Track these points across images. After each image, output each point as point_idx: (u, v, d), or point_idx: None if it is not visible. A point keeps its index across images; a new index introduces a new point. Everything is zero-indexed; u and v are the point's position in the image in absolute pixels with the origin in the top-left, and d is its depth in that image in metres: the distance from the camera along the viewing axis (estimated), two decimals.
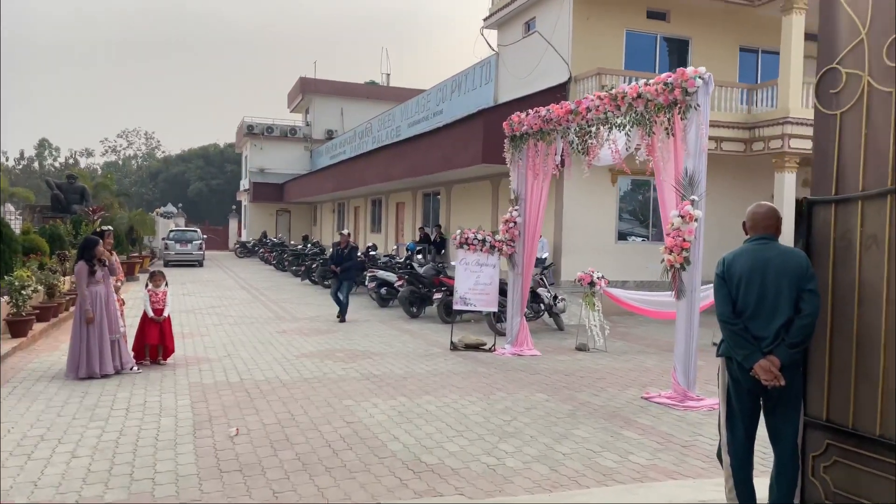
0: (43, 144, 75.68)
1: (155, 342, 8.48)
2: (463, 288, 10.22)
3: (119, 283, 8.41)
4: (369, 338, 11.05)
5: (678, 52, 17.06)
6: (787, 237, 14.38)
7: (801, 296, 3.44)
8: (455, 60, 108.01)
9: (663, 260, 7.21)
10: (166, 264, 29.58)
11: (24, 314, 9.79)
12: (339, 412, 6.45)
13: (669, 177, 7.49)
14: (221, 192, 64.52)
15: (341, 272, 13.17)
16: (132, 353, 8.48)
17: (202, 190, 67.62)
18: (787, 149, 15.15)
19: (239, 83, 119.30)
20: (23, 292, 9.74)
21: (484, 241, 10.15)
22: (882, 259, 3.19)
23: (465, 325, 12.63)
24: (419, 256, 17.45)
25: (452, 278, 13.41)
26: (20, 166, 73.28)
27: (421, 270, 14.77)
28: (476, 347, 10.22)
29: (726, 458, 3.68)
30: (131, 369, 8.01)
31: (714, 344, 10.99)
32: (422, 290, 14.10)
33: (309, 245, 26.85)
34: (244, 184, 45.54)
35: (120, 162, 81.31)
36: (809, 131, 15.45)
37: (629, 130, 7.87)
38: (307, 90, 42.45)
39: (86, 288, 7.67)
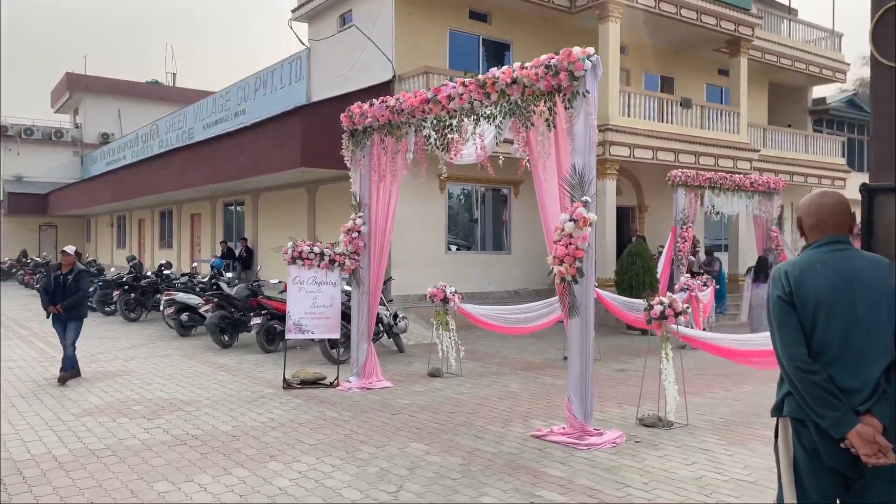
0: None
1: None
2: (297, 312, 8.47)
3: None
4: (175, 379, 8.84)
5: (499, 56, 16.65)
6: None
7: None
8: (256, 58, 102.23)
9: (551, 271, 6.16)
10: None
11: None
12: None
13: (551, 176, 6.49)
14: None
15: (65, 311, 8.65)
16: None
17: None
18: (609, 156, 15.28)
19: None
20: None
21: (322, 254, 8.51)
22: None
23: (292, 354, 10.81)
24: (229, 275, 15.15)
25: (272, 299, 11.54)
26: None
27: (232, 291, 12.61)
28: (314, 383, 8.52)
29: None
30: None
31: (565, 359, 10.38)
32: (235, 315, 11.98)
33: (83, 265, 22.83)
34: None
35: None
36: (629, 139, 15.94)
37: (500, 123, 6.76)
38: (76, 88, 36.98)
39: None
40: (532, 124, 6.43)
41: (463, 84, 6.98)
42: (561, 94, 6.15)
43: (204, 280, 15.33)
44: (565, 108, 6.14)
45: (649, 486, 4.85)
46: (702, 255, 15.99)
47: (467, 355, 10.01)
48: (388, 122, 8.03)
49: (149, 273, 16.72)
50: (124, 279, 16.17)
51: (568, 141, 6.16)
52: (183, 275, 16.75)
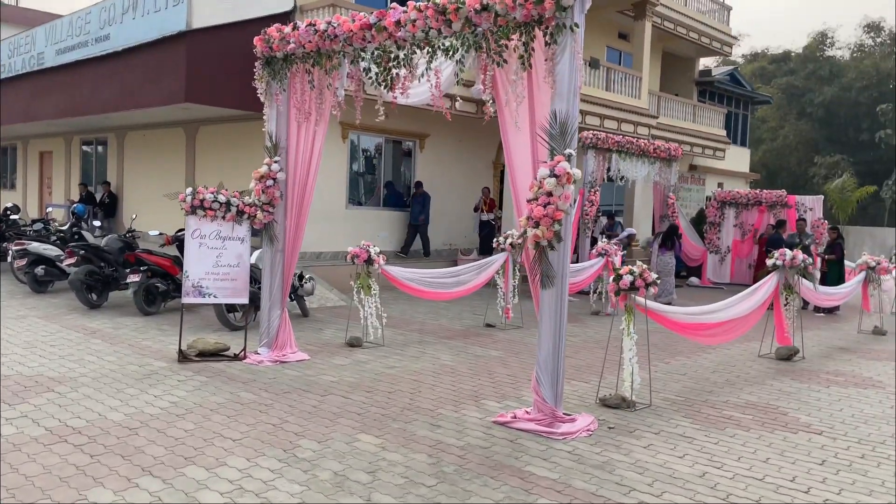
0: None
1: None
2: (197, 272, 7.11)
3: None
4: (37, 349, 7.24)
5: None
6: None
7: None
8: None
9: (523, 234, 5.33)
10: None
11: None
12: None
13: (523, 124, 5.61)
14: None
15: None
16: None
17: None
18: None
19: None
20: None
21: (228, 204, 7.17)
22: None
23: (176, 318, 9.35)
24: (96, 223, 13.10)
25: (153, 254, 9.96)
26: None
27: (101, 243, 10.81)
28: (216, 355, 7.25)
29: None
30: None
31: (487, 325, 9.55)
32: (105, 271, 10.24)
33: None
34: None
35: None
36: None
37: (462, 57, 5.77)
38: None
39: None
40: (505, 61, 5.48)
41: (417, 9, 5.88)
42: (542, 27, 5.24)
43: (63, 228, 13.18)
44: (546, 44, 5.25)
45: (654, 487, 4.22)
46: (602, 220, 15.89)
47: None
48: (317, 50, 6.76)
49: None
50: None
51: (549, 83, 5.29)
52: (35, 221, 14.38)
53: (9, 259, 12.09)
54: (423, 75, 6.09)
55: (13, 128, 19.55)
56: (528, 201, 5.28)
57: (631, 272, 5.94)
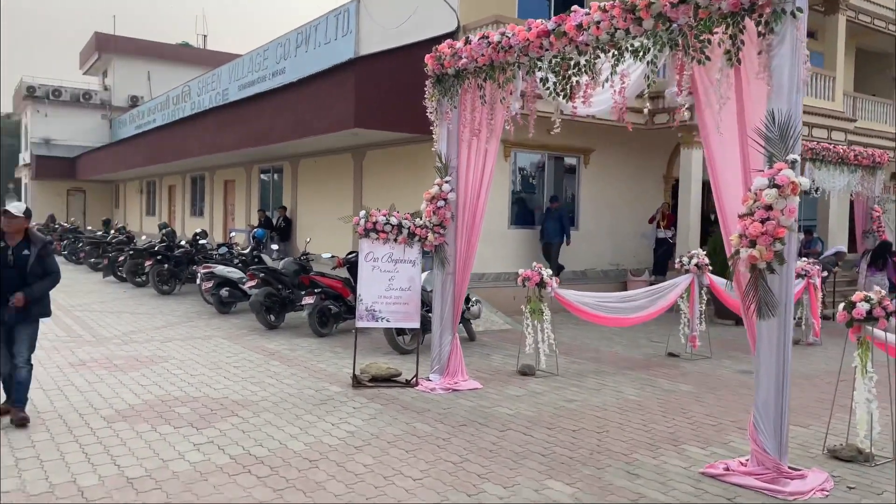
0: None
1: None
2: (370, 295, 7.00)
3: None
4: (222, 370, 7.47)
5: (569, 4, 14.85)
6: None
7: None
8: (293, 19, 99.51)
9: (735, 254, 4.59)
10: None
11: None
12: None
13: (729, 128, 4.89)
14: None
15: (19, 306, 5.29)
16: None
17: None
18: (694, 121, 13.50)
19: (16, 39, 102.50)
20: None
21: (400, 226, 7.01)
22: None
23: (345, 340, 9.39)
24: (274, 247, 13.76)
25: (326, 276, 10.13)
26: None
27: (279, 266, 11.23)
28: (388, 380, 7.08)
29: None
30: None
31: (670, 355, 8.79)
32: (283, 293, 10.59)
33: (112, 231, 21.66)
34: (24, 157, 37.65)
35: None
36: None
37: (654, 58, 5.16)
38: (105, 49, 35.68)
39: None
40: (707, 58, 4.80)
41: (601, 9, 5.37)
42: (755, 15, 4.53)
43: (244, 252, 13.99)
44: (760, 35, 4.52)
45: None
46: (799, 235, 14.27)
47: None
48: (490, 64, 6.44)
49: (182, 242, 15.40)
50: (157, 248, 14.88)
51: (763, 79, 4.55)
52: (220, 245, 15.42)
53: (197, 281, 12.93)
54: (607, 81, 5.55)
55: (202, 159, 21.33)
56: (741, 216, 4.55)
57: (867, 299, 4.97)
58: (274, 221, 18.98)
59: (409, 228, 7.03)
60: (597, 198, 14.59)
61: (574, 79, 5.81)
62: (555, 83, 5.96)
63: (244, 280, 11.37)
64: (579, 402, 6.51)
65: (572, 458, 4.92)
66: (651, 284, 12.05)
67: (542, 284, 7.64)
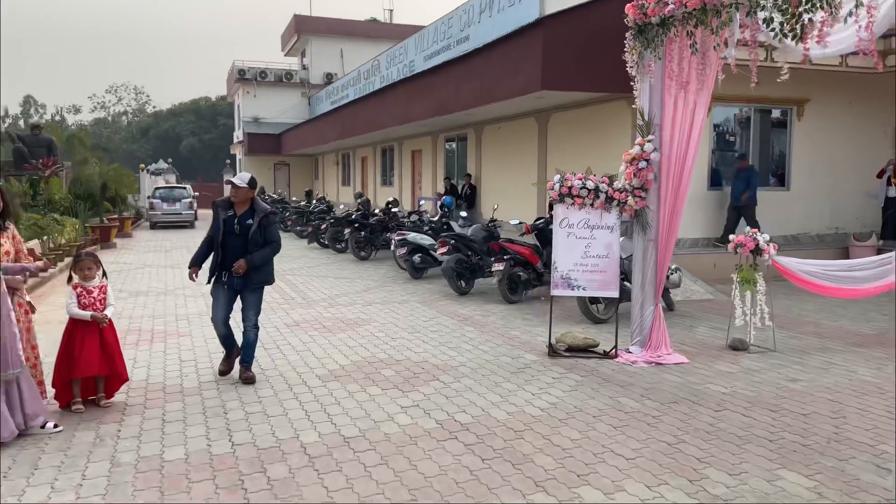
0: (28, 101, 72.05)
1: (92, 371, 5.08)
2: (565, 263, 6.78)
3: (26, 275, 4.94)
4: (419, 334, 7.67)
5: None
6: None
7: None
8: None
9: None
10: (153, 226, 26.15)
11: None
12: None
13: None
14: (215, 146, 61.34)
15: (247, 271, 5.64)
16: (49, 398, 5.14)
17: (195, 145, 64.40)
18: None
19: (228, 25, 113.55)
20: None
21: (597, 190, 6.68)
22: None
23: (533, 307, 9.26)
24: (463, 214, 13.96)
25: (515, 242, 10.02)
26: (5, 124, 69.02)
27: (468, 232, 11.33)
28: (585, 350, 6.85)
29: None
30: (44, 426, 4.64)
31: None
32: (472, 259, 10.68)
33: (315, 202, 23.31)
34: (238, 135, 41.73)
35: (109, 118, 77.91)
36: None
37: None
38: (303, 30, 38.23)
39: None
40: None
41: None
42: None
43: (434, 219, 14.34)
44: None
45: None
46: None
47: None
48: (701, 7, 5.83)
49: (376, 211, 16.14)
50: (354, 217, 15.73)
51: None
52: (410, 213, 15.96)
53: (392, 247, 13.47)
54: (850, 15, 4.77)
55: (391, 130, 22.16)
56: None
57: None
58: (459, 189, 19.29)
59: (606, 192, 6.66)
60: (812, 153, 13.06)
61: (806, 16, 5.07)
62: (781, 23, 5.26)
63: (435, 247, 11.65)
64: (805, 383, 5.83)
65: (805, 446, 4.39)
66: (880, 251, 10.61)
67: (757, 251, 6.93)
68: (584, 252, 6.77)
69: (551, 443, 4.41)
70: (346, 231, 15.48)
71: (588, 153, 13.71)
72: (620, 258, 6.96)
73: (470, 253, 10.74)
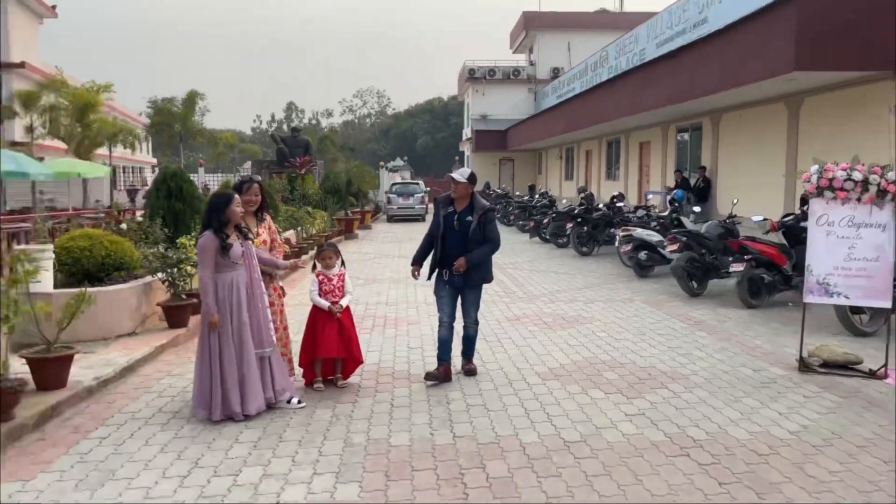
0: (290, 107, 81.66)
1: (331, 353, 5.48)
2: (823, 266, 5.92)
3: (279, 268, 5.46)
4: (645, 336, 7.23)
5: None
6: None
7: None
8: None
9: None
10: (389, 219, 28.12)
11: (183, 297, 7.45)
12: None
13: None
14: (447, 145, 64.50)
15: (467, 269, 5.57)
16: (297, 375, 5.62)
17: (428, 144, 68.30)
18: None
19: (459, 26, 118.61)
20: (179, 267, 7.38)
21: (866, 182, 5.73)
22: None
23: (780, 314, 8.26)
24: (696, 209, 13.05)
25: (758, 241, 9.06)
26: (272, 128, 78.90)
27: (701, 229, 10.51)
28: (845, 367, 5.93)
29: None
30: (289, 401, 5.08)
31: None
32: (706, 258, 9.87)
33: (537, 196, 23.36)
34: (466, 132, 43.37)
35: (356, 120, 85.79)
36: None
37: None
38: (531, 26, 38.55)
39: (211, 275, 4.80)
40: None
41: None
42: None
43: (663, 214, 13.56)
44: None
45: None
46: None
47: None
48: None
49: (600, 205, 15.69)
50: (576, 211, 15.44)
51: None
52: (636, 207, 15.27)
53: (616, 244, 12.97)
54: None
55: (618, 122, 21.41)
56: None
57: None
58: (692, 182, 18.04)
59: (878, 185, 5.69)
60: None
61: None
62: None
63: (664, 243, 11.00)
64: None
65: None
66: None
67: None
68: (846, 254, 5.86)
69: (804, 472, 3.83)
70: (569, 226, 15.26)
71: (849, 141, 11.98)
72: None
73: (703, 251, 9.95)
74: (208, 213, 4.90)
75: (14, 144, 20.77)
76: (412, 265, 5.91)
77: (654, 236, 11.70)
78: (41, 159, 19.03)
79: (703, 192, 17.46)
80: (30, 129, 21.23)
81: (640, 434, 4.43)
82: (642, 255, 11.62)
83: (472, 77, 39.17)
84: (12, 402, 4.49)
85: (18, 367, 5.04)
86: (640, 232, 11.91)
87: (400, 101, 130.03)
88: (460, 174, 5.68)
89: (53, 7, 30.03)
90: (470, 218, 5.60)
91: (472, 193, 5.73)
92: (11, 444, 4.31)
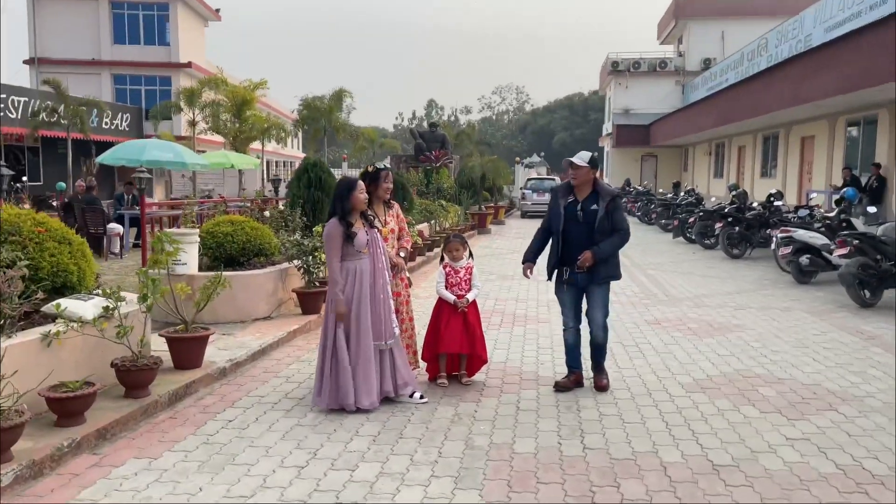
0: (430, 104, 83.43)
1: (453, 349, 5.24)
2: None
3: (402, 253, 5.31)
4: (807, 350, 6.40)
5: None
6: None
7: None
8: None
9: None
10: (523, 215, 27.73)
11: (317, 284, 7.54)
12: None
13: None
14: (585, 140, 63.12)
15: (593, 264, 5.03)
16: (419, 369, 5.44)
17: (566, 140, 67.18)
18: None
19: (604, 18, 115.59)
20: (314, 255, 7.48)
21: None
22: None
23: None
24: (871, 210, 11.60)
25: None
26: (412, 124, 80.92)
27: (877, 231, 9.27)
28: None
29: None
30: (412, 396, 4.90)
31: None
32: (882, 265, 8.68)
33: (682, 194, 22.02)
34: (607, 128, 41.98)
35: (493, 117, 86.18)
36: None
37: None
38: (682, 14, 36.56)
39: (338, 263, 4.70)
40: None
41: None
42: None
43: (829, 215, 12.17)
44: None
45: None
46: None
47: None
48: None
49: (754, 204, 14.41)
50: (727, 210, 14.28)
51: None
52: (798, 207, 13.86)
53: (772, 246, 11.82)
54: None
55: (777, 115, 19.70)
56: None
57: None
58: (863, 181, 16.16)
59: None
60: None
61: None
62: None
63: (830, 247, 9.84)
64: None
65: None
66: None
67: None
68: None
69: None
70: (717, 225, 14.15)
71: None
72: None
73: (879, 257, 8.77)
74: (333, 201, 4.81)
75: (178, 139, 22.53)
76: (523, 262, 5.37)
77: (818, 239, 10.51)
78: (202, 153, 20.48)
79: (876, 192, 15.60)
80: (192, 124, 22.93)
81: (806, 463, 3.81)
82: (804, 259, 10.47)
83: (616, 70, 37.82)
84: (149, 379, 4.64)
85: (160, 346, 5.23)
86: (802, 234, 10.74)
87: (539, 97, 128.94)
88: (580, 158, 5.06)
89: (217, 10, 32.31)
90: (595, 207, 5.00)
91: (594, 179, 5.12)
92: (146, 419, 4.44)
